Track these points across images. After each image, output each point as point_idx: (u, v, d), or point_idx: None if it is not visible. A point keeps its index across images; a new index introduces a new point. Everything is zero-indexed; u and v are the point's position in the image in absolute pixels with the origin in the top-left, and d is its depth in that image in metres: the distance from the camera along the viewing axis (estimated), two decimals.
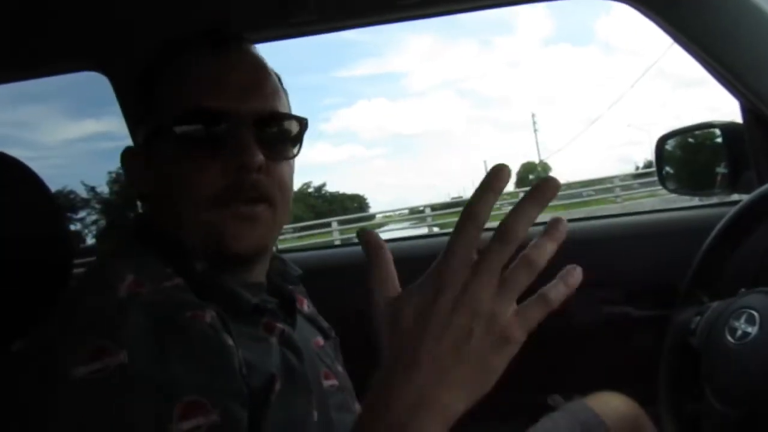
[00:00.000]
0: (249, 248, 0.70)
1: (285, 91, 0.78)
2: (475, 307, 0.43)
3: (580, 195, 18.68)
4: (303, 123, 0.76)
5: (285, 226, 0.85)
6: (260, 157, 0.68)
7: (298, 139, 0.76)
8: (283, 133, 0.74)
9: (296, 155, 0.76)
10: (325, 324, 0.88)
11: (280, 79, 0.78)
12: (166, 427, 0.50)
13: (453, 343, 0.43)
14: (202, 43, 0.73)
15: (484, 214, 0.43)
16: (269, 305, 0.71)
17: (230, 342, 0.59)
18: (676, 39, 1.09)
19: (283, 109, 0.75)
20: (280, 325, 0.71)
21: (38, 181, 0.77)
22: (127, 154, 0.76)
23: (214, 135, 0.69)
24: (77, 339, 0.53)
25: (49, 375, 0.52)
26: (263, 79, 0.74)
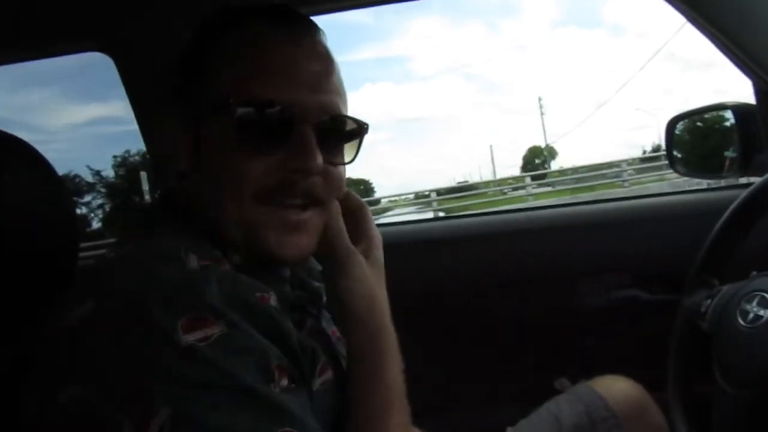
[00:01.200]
0: (293, 257, 0.67)
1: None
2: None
3: (586, 179, 18.60)
4: (364, 127, 0.72)
5: None
6: (320, 160, 0.64)
7: (356, 143, 0.72)
8: (343, 136, 0.70)
9: (353, 161, 0.72)
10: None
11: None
12: (270, 385, 0.52)
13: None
14: (277, 22, 0.67)
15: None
16: (302, 301, 0.72)
17: (291, 326, 0.59)
18: (689, 18, 1.06)
19: (345, 108, 0.70)
20: (310, 320, 0.71)
21: (46, 164, 0.76)
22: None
23: (277, 126, 0.64)
24: (168, 308, 0.51)
25: (151, 343, 0.50)
26: (331, 73, 0.69)
